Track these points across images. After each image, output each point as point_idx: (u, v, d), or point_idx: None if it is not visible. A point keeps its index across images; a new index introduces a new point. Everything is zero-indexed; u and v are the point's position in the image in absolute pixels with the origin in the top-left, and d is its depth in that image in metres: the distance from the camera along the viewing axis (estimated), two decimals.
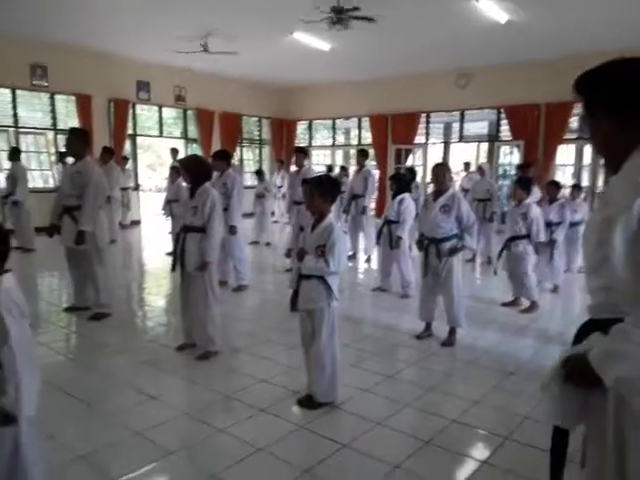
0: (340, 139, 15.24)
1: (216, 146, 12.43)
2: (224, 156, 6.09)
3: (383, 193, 12.38)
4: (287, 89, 14.39)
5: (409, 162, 13.13)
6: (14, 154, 8.33)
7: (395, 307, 5.48)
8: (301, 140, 15.23)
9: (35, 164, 10.57)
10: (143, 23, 8.44)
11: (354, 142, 14.54)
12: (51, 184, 10.36)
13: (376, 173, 12.89)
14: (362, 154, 8.13)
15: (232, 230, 5.76)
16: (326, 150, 15.28)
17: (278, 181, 12.23)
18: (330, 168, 12.23)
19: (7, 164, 8.61)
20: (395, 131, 12.97)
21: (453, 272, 4.23)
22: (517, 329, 4.75)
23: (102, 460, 2.54)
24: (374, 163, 13.41)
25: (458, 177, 12.60)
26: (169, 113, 12.87)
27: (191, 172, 3.90)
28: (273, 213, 10.08)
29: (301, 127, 15.28)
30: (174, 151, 10.81)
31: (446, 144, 13.10)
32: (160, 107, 12.35)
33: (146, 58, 11.09)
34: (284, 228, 9.73)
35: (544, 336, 4.56)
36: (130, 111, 11.58)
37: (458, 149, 13.25)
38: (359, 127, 14.16)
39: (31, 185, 8.79)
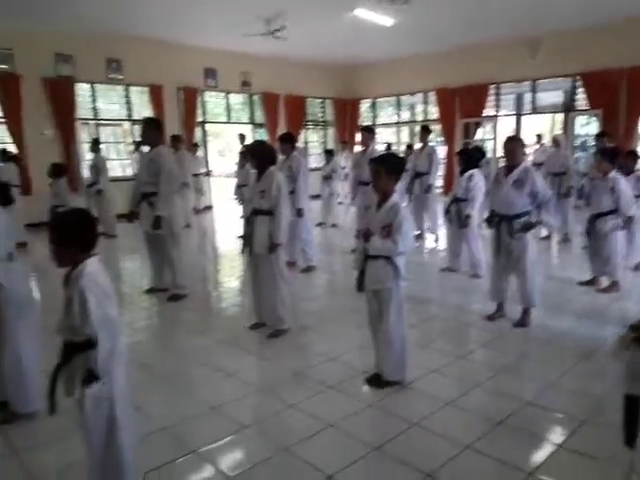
0: (405, 116, 14.91)
1: (281, 129, 12.57)
2: (289, 139, 6.16)
3: (451, 170, 12.04)
4: (349, 68, 14.24)
5: (478, 136, 12.64)
6: (95, 145, 8.90)
7: (465, 287, 5.37)
8: (365, 119, 15.06)
9: (114, 154, 11.21)
10: (209, 11, 8.63)
11: (419, 118, 14.20)
12: (129, 172, 10.94)
13: (443, 149, 12.58)
14: (425, 131, 7.93)
15: (299, 212, 5.85)
16: (391, 128, 15.02)
17: (342, 162, 12.22)
18: (389, 146, 12.03)
19: (89, 155, 9.21)
20: (463, 105, 12.51)
21: (527, 250, 4.07)
22: (596, 309, 4.52)
23: (183, 432, 2.72)
24: (441, 139, 13.04)
25: (531, 150, 11.99)
26: (236, 99, 13.15)
27: (257, 157, 4.00)
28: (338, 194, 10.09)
29: (365, 106, 15.11)
30: (242, 137, 11.05)
31: (518, 116, 12.47)
32: (227, 93, 12.64)
33: (212, 45, 11.35)
34: (349, 209, 9.72)
35: (625, 317, 4.30)
36: (199, 98, 11.95)
37: (530, 121, 12.55)
38: (425, 102, 13.79)
39: (111, 174, 9.36)
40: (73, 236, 1.95)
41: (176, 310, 4.85)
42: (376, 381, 3.16)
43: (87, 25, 9.24)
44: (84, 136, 10.47)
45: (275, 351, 3.77)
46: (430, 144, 7.95)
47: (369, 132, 6.75)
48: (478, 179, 5.58)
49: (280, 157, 5.56)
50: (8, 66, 9.15)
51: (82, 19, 8.85)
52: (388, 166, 3.00)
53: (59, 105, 9.77)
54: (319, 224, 9.30)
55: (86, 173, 9.52)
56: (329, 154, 10.30)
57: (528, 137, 12.27)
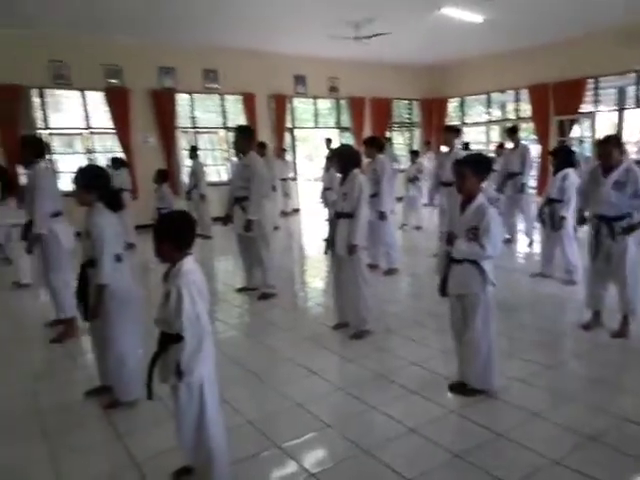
0: (496, 114, 14.34)
1: (367, 132, 12.63)
2: (374, 142, 6.20)
3: (545, 170, 11.40)
4: (436, 67, 13.96)
5: (574, 134, 11.86)
6: (193, 152, 9.51)
7: (558, 294, 5.09)
8: (453, 118, 14.69)
9: (210, 160, 11.86)
10: (299, 19, 8.88)
11: (511, 116, 13.57)
12: (224, 178, 11.53)
13: (537, 148, 11.94)
14: (512, 132, 7.62)
15: (382, 216, 5.87)
16: (480, 127, 14.51)
17: (425, 163, 12.01)
18: (466, 145, 11.62)
19: (188, 162, 9.86)
20: (557, 101, 11.78)
21: (628, 253, 3.79)
22: None
23: (268, 426, 2.85)
24: (534, 137, 12.39)
25: (636, 147, 11.03)
26: (323, 104, 13.39)
27: (341, 160, 4.09)
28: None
29: (452, 105, 14.73)
30: (328, 141, 11.23)
31: (620, 111, 11.52)
32: (315, 99, 12.92)
33: (302, 52, 11.65)
34: (433, 211, 9.57)
35: None
36: (288, 105, 12.32)
37: (635, 115, 11.52)
38: (516, 100, 13.17)
39: (207, 179, 9.91)
40: (174, 235, 2.15)
41: (265, 308, 5.07)
42: (460, 388, 3.11)
43: (186, 39, 9.89)
44: (184, 144, 11.20)
45: (358, 352, 3.83)
46: (523, 143, 7.60)
47: (453, 132, 6.57)
48: (574, 179, 5.27)
49: (365, 160, 5.61)
50: (118, 80, 10.03)
51: (182, 34, 9.50)
52: (473, 167, 2.93)
53: (161, 115, 10.54)
54: (402, 226, 9.23)
55: (186, 178, 10.18)
56: (414, 155, 10.18)
57: (632, 133, 11.34)
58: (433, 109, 14.62)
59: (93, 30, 8.92)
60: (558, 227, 5.28)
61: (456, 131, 6.68)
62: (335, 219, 4.10)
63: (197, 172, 9.33)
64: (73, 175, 3.07)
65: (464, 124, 14.22)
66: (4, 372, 3.78)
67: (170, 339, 2.12)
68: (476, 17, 8.91)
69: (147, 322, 3.26)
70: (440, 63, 13.60)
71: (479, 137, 14.28)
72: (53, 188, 4.42)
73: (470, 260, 2.90)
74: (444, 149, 7.18)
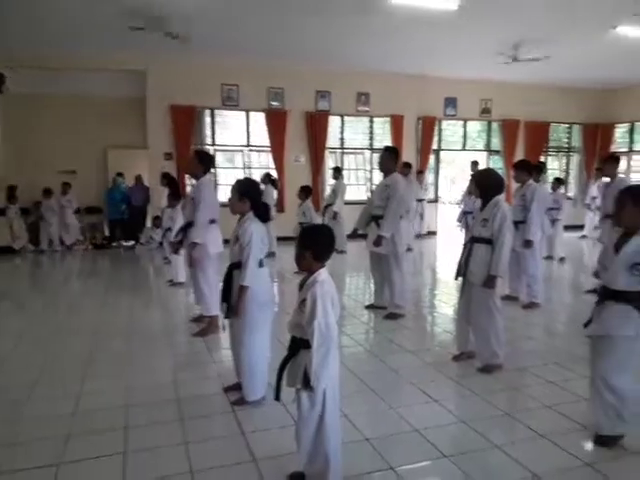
0: None
1: (519, 156, 11.99)
2: (524, 166, 5.86)
3: None
4: (603, 90, 12.78)
5: None
6: (337, 172, 9.92)
7: None
8: (620, 145, 13.25)
9: (354, 179, 12.21)
10: (455, 43, 8.84)
11: None
12: (363, 197, 11.77)
13: None
14: None
15: (527, 244, 5.52)
16: None
17: (594, 191, 10.95)
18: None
19: (331, 181, 10.28)
20: None
21: None
22: None
23: (383, 447, 2.82)
24: None
25: None
26: (473, 126, 13.02)
27: (481, 185, 3.94)
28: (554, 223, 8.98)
29: (620, 130, 13.30)
30: (474, 163, 10.89)
31: None
32: (465, 121, 12.62)
33: (453, 75, 11.52)
34: (595, 244, 8.69)
35: None
36: (436, 127, 12.22)
37: None
38: None
39: (347, 197, 10.23)
40: (316, 246, 2.28)
41: (391, 328, 5.05)
42: (603, 440, 2.79)
43: (342, 64, 10.40)
44: (330, 163, 11.69)
45: (484, 386, 3.63)
46: None
47: (613, 160, 6.03)
48: None
49: (515, 185, 5.34)
50: (279, 103, 10.89)
51: (338, 59, 10.02)
52: (635, 196, 2.64)
53: (314, 136, 11.15)
54: (546, 257, 8.50)
55: (326, 196, 10.62)
56: (557, 183, 9.34)
57: None
58: (597, 134, 13.37)
59: (260, 55, 9.78)
60: None
61: (616, 159, 6.09)
62: (470, 244, 3.94)
63: (336, 191, 9.67)
64: (231, 185, 3.38)
65: (632, 151, 12.79)
66: (150, 361, 4.23)
67: (302, 344, 2.23)
68: None
69: (276, 327, 3.50)
70: (609, 85, 12.43)
71: None
72: (213, 199, 4.92)
73: (631, 299, 2.60)
74: (605, 179, 6.57)
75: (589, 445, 2.82)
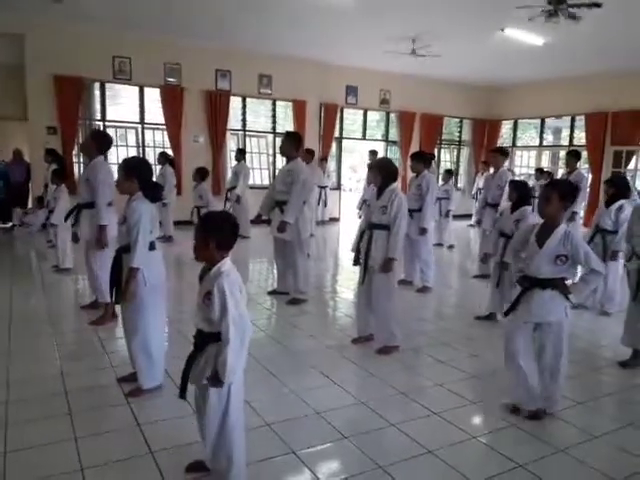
0: (548, 139, 14.00)
1: (415, 147, 12.55)
2: (421, 157, 6.14)
3: (595, 200, 11.05)
4: (492, 88, 13.76)
5: (631, 166, 11.45)
6: (240, 154, 9.66)
7: (596, 327, 4.90)
8: (505, 141, 14.41)
9: (256, 163, 12.04)
10: (355, 32, 8.95)
11: (564, 143, 13.22)
12: (266, 182, 11.67)
13: (588, 177, 11.61)
14: (574, 155, 7.39)
15: (422, 231, 5.80)
16: (531, 151, 14.20)
17: (481, 183, 11.79)
18: (541, 171, 11.14)
19: (234, 163, 10.02)
20: (616, 131, 11.41)
21: None
22: None
23: (285, 431, 2.83)
24: (586, 166, 12.03)
25: None
26: (373, 116, 13.39)
27: (379, 173, 4.04)
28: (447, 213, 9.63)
29: (505, 127, 14.46)
30: (373, 153, 11.21)
31: None
32: (365, 110, 12.93)
33: (355, 64, 11.71)
34: (481, 232, 9.38)
35: None
36: (338, 115, 12.38)
37: None
38: (572, 127, 12.82)
39: (250, 182, 10.06)
40: (216, 236, 2.13)
41: (294, 313, 5.07)
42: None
43: (244, 44, 10.12)
44: (232, 145, 11.41)
45: (383, 367, 3.77)
46: (580, 170, 7.41)
47: (500, 154, 6.52)
48: (628, 211, 5.06)
49: (410, 174, 5.57)
50: (175, 79, 10.36)
51: (240, 39, 9.73)
52: (561, 191, 2.87)
53: (214, 116, 10.78)
54: (436, 244, 9.03)
55: (228, 179, 10.35)
56: (448, 174, 9.98)
57: None
58: (485, 129, 14.41)
59: (156, 30, 9.25)
60: (612, 258, 5.08)
61: (504, 154, 6.59)
62: (368, 230, 4.05)
63: (239, 174, 9.44)
64: (118, 165, 3.20)
65: (515, 147, 13.95)
66: (35, 353, 3.92)
67: (210, 338, 2.13)
68: (537, 40, 8.73)
69: (171, 313, 3.33)
70: (496, 84, 13.42)
71: (530, 161, 14.01)
72: (110, 180, 4.60)
73: (556, 286, 2.85)
74: (491, 170, 7.09)
75: (477, 419, 3.05)
